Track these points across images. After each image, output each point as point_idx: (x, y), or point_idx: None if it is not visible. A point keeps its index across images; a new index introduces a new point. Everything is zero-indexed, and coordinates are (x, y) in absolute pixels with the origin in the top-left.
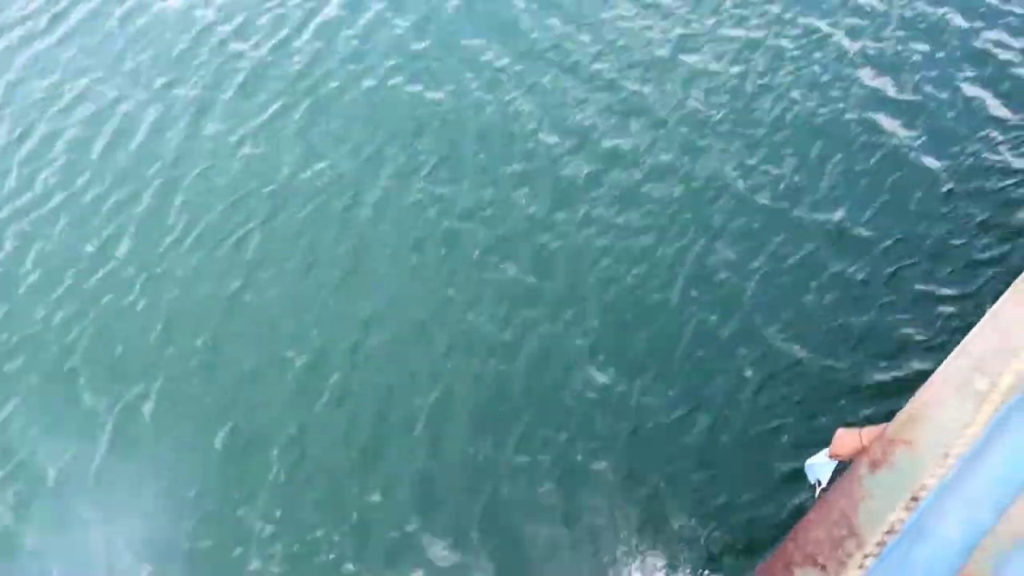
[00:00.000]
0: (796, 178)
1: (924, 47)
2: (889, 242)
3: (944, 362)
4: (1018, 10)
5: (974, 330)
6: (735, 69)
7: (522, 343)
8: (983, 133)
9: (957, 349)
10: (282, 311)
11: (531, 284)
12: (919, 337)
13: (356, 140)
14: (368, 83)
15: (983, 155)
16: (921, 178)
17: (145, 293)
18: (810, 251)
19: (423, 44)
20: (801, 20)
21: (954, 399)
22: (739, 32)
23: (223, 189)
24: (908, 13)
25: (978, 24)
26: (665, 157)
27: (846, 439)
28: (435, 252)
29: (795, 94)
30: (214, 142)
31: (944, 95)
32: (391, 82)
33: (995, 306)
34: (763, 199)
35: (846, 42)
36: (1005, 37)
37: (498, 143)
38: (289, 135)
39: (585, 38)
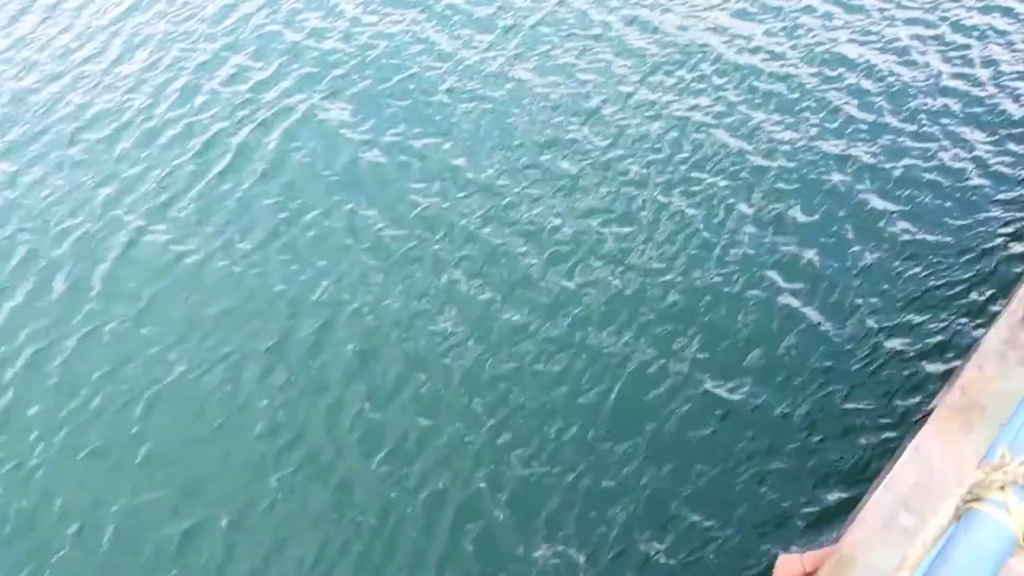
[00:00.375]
0: (695, 348)
1: (806, 205)
2: (786, 414)
3: (870, 498)
4: (895, 166)
5: (897, 464)
6: (648, 209)
7: (404, 522)
8: (870, 290)
9: (883, 485)
10: (165, 490)
11: (415, 473)
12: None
13: (230, 319)
14: (241, 254)
15: (873, 314)
16: (817, 342)
17: (16, 475)
18: (713, 428)
19: (300, 207)
20: (688, 174)
21: (881, 540)
22: (633, 192)
23: (93, 368)
24: (791, 166)
25: (857, 181)
26: (557, 333)
27: (788, 565)
28: (313, 432)
29: (685, 258)
30: (88, 316)
31: (830, 254)
32: (265, 254)
33: (915, 439)
34: (661, 369)
35: (733, 199)
36: (885, 190)
37: (374, 320)
38: (164, 309)
39: (474, 205)
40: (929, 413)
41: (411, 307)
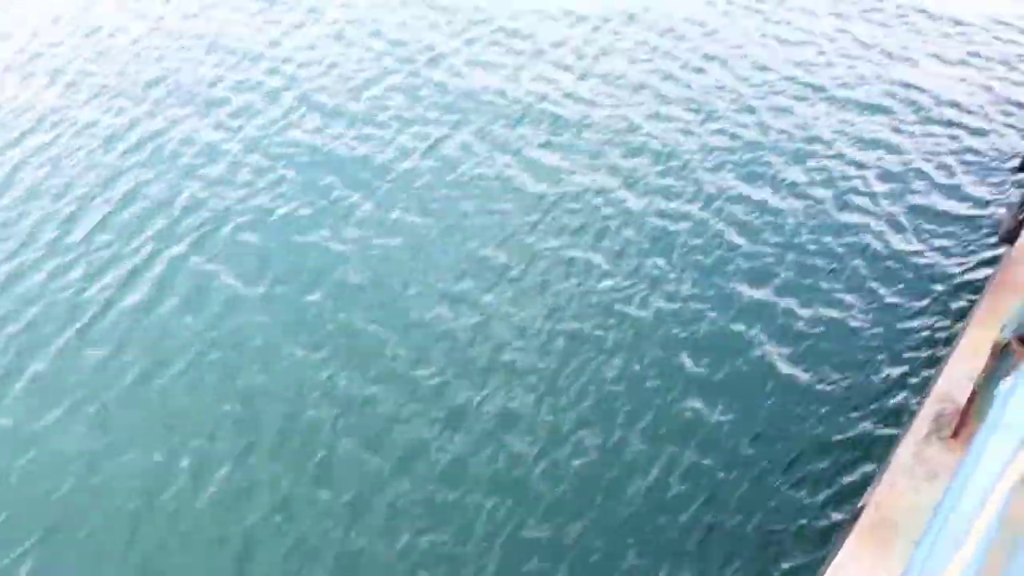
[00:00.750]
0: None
1: (696, 352)
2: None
3: None
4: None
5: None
6: (543, 363)
7: None
8: (765, 435)
9: None
10: None
11: None
12: None
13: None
14: (97, 423)
15: (770, 463)
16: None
17: None
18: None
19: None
20: (575, 325)
21: None
22: (519, 345)
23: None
24: (677, 308)
25: (748, 325)
26: (446, 499)
27: None
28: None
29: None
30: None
31: (722, 404)
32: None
33: (836, 559)
34: (554, 535)
35: (621, 346)
36: (774, 333)
37: (245, 489)
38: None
39: (356, 364)
40: (855, 519)
41: (288, 477)
